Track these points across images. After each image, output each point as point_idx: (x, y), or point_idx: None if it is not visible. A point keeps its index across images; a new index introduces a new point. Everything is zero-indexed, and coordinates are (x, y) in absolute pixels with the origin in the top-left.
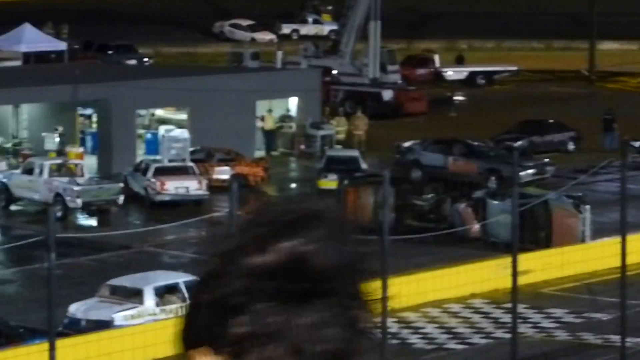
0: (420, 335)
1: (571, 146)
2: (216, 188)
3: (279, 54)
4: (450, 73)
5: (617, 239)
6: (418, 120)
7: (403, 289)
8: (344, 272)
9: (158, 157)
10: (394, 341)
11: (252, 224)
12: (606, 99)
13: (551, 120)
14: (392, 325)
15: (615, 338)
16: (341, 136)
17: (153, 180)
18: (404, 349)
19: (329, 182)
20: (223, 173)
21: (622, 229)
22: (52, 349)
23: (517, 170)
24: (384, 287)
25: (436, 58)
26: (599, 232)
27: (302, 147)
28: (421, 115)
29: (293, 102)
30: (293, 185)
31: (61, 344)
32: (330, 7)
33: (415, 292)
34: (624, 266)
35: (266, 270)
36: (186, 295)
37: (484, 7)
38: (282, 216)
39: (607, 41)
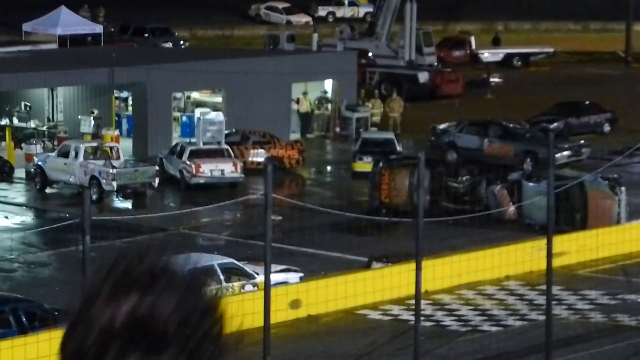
0: (455, 317)
1: (607, 128)
2: (251, 171)
3: (315, 36)
4: (487, 55)
5: None
6: (454, 103)
7: (437, 271)
8: (189, 325)
9: (193, 140)
10: (428, 323)
11: (105, 276)
12: None
13: (587, 102)
14: (426, 307)
15: None
16: (377, 118)
17: (188, 163)
18: (439, 331)
19: (364, 165)
20: (258, 156)
21: None
22: None
23: (553, 152)
24: (418, 270)
25: (472, 40)
26: (635, 213)
27: (338, 129)
28: (457, 98)
29: (328, 85)
30: (328, 167)
31: None
32: None
33: (450, 274)
34: None
35: (113, 325)
36: (222, 277)
37: None
38: (131, 271)
39: None
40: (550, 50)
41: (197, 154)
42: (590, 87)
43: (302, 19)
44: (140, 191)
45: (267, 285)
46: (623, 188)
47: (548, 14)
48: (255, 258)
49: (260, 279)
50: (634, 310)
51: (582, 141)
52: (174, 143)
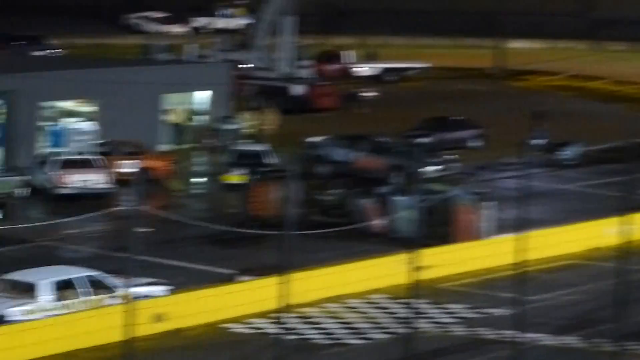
0: (320, 331)
1: (476, 143)
2: (123, 181)
3: (191, 47)
4: (362, 69)
5: (516, 235)
6: (328, 116)
7: (305, 284)
8: None
9: (63, 150)
10: (293, 336)
11: None
12: (512, 97)
13: (457, 118)
14: (291, 321)
15: (511, 333)
16: (251, 130)
17: (57, 173)
18: (303, 344)
19: (236, 177)
20: (129, 166)
21: (521, 226)
22: None
23: (422, 166)
24: (285, 283)
25: (348, 54)
26: (501, 228)
27: (211, 141)
28: (331, 111)
29: (203, 96)
30: (200, 179)
31: None
32: (244, 1)
33: (316, 288)
34: (521, 262)
35: None
36: (88, 289)
37: (395, 4)
38: None
39: (515, 39)
40: (424, 65)
41: (66, 164)
42: (461, 103)
43: (179, 29)
44: (3, 201)
45: (131, 298)
46: (490, 203)
47: (422, 30)
48: (121, 271)
49: (124, 291)
50: (496, 324)
51: (452, 156)
52: (43, 153)
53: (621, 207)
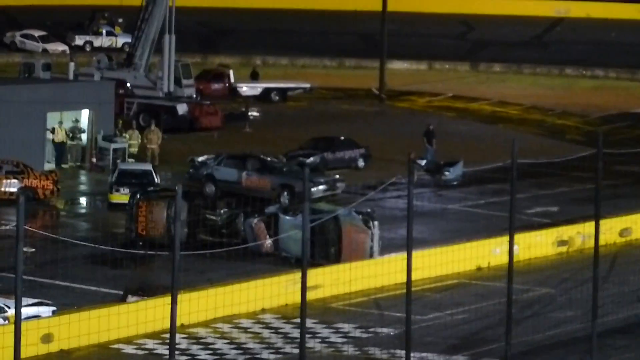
0: (210, 351)
1: (361, 163)
2: (3, 201)
3: (71, 65)
4: (245, 89)
5: (403, 255)
6: (212, 135)
7: (194, 304)
8: None
9: None
10: (184, 358)
11: None
12: (396, 117)
13: (342, 138)
14: (182, 341)
15: (401, 353)
16: (134, 150)
17: None
18: None
19: (121, 196)
20: (11, 186)
21: (408, 245)
22: None
23: (309, 186)
24: (174, 303)
25: (231, 73)
26: (387, 247)
27: (94, 160)
28: (216, 130)
29: (85, 115)
30: (84, 199)
31: None
32: (121, 20)
33: (206, 308)
34: (409, 282)
35: None
36: None
37: (277, 24)
38: None
39: (397, 61)
40: (307, 85)
41: None
42: (345, 123)
43: (59, 47)
44: None
45: (18, 319)
46: (376, 222)
47: (304, 50)
48: (6, 291)
49: (11, 312)
50: (386, 343)
51: (337, 176)
52: None
53: (506, 227)
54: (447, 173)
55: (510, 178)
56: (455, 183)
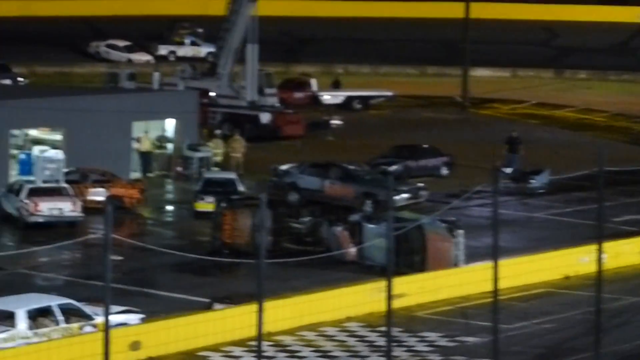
0: (296, 359)
1: (444, 171)
2: (91, 209)
3: (156, 75)
4: (327, 97)
5: (489, 264)
6: (295, 144)
7: (279, 312)
8: None
9: (32, 178)
10: None
11: None
12: (479, 125)
13: (425, 145)
14: (268, 349)
15: None
16: (219, 158)
17: (26, 201)
18: None
19: (206, 205)
20: (98, 194)
21: (495, 254)
22: None
23: (392, 194)
24: (260, 311)
25: (313, 82)
26: (472, 256)
27: (179, 169)
28: (298, 139)
29: (170, 124)
30: (170, 207)
31: None
32: (201, 30)
33: (291, 316)
34: (496, 291)
35: None
36: (60, 318)
37: (359, 32)
38: None
39: (480, 68)
40: (390, 93)
41: (35, 192)
42: (428, 131)
43: (143, 57)
44: None
45: (107, 327)
46: (461, 231)
47: (387, 58)
48: (95, 299)
49: (99, 320)
50: (472, 352)
51: (421, 184)
52: (12, 181)
53: (592, 235)
54: (532, 181)
55: (598, 186)
56: (541, 191)
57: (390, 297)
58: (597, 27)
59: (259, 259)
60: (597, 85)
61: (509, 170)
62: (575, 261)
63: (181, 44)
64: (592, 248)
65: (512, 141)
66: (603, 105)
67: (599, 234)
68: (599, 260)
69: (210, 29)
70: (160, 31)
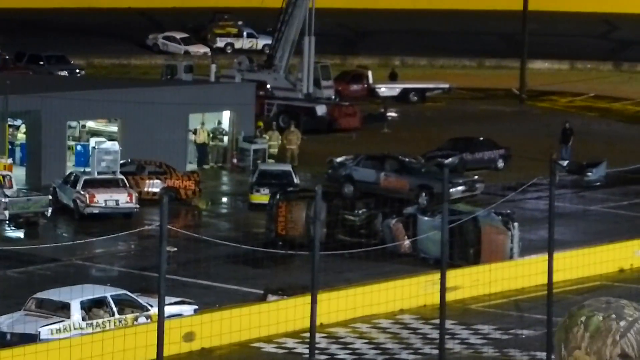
0: (349, 351)
1: (501, 164)
2: (147, 201)
3: (213, 67)
4: (384, 89)
5: (544, 257)
6: (351, 136)
7: (333, 304)
8: None
9: (88, 169)
10: (323, 357)
11: None
12: (536, 117)
13: (481, 138)
14: (321, 341)
15: (542, 355)
16: (274, 150)
17: (82, 192)
18: None
19: (262, 197)
20: (154, 186)
21: (550, 247)
22: None
23: (448, 187)
24: (314, 303)
25: (369, 74)
26: (527, 249)
27: (235, 160)
28: (354, 131)
29: (226, 116)
30: (225, 199)
31: None
32: (240, 22)
33: (345, 308)
34: (550, 284)
35: None
36: (115, 309)
37: (416, 25)
38: None
39: (538, 60)
40: (446, 86)
41: (91, 184)
42: (484, 123)
43: (200, 49)
44: (33, 220)
45: (161, 318)
46: (516, 224)
47: (444, 51)
48: (149, 290)
49: (153, 311)
50: (526, 345)
51: (476, 176)
52: (68, 172)
53: None
54: (589, 174)
55: None
56: (598, 184)
57: (444, 289)
58: None
59: (314, 251)
60: None
61: (565, 163)
62: (630, 254)
63: (239, 36)
64: None
65: (565, 132)
66: None
67: None
68: None
69: (255, 21)
70: (201, 23)
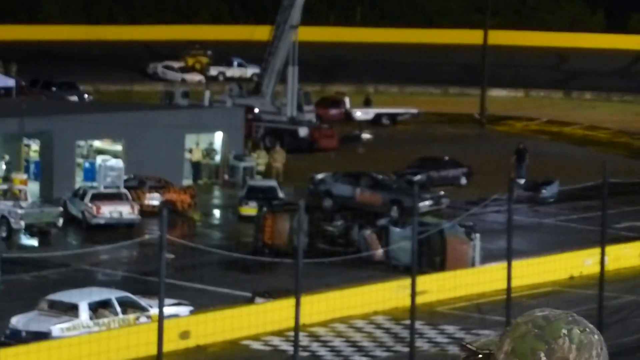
0: (329, 348)
1: (464, 181)
2: (147, 213)
3: (207, 93)
4: (359, 114)
5: (504, 264)
6: (330, 155)
7: (314, 306)
8: None
9: (95, 184)
10: (305, 353)
11: None
12: (495, 140)
13: (446, 157)
14: (303, 339)
15: None
16: (261, 168)
17: (90, 205)
18: None
19: (250, 209)
20: (154, 199)
21: (508, 256)
22: None
23: (418, 201)
24: (297, 305)
25: (346, 100)
26: (488, 257)
27: (226, 177)
28: (333, 151)
29: (218, 137)
30: (217, 211)
31: (4, 353)
32: (210, 52)
33: (325, 310)
34: (509, 289)
35: None
36: (118, 309)
37: (388, 56)
38: None
39: (496, 88)
40: (415, 111)
41: (98, 197)
42: (449, 145)
43: (196, 77)
44: (46, 230)
45: (161, 318)
46: (478, 235)
47: (413, 79)
48: (149, 293)
49: (153, 311)
50: None
51: (442, 192)
52: (77, 186)
53: (596, 240)
54: (544, 191)
55: (602, 196)
56: (551, 200)
57: (414, 294)
58: (602, 53)
59: (297, 258)
60: (602, 105)
61: (522, 180)
62: (580, 263)
63: (230, 65)
64: (595, 251)
65: (520, 152)
66: (606, 123)
67: (602, 239)
68: (602, 262)
69: (246, 53)
70: (214, 54)
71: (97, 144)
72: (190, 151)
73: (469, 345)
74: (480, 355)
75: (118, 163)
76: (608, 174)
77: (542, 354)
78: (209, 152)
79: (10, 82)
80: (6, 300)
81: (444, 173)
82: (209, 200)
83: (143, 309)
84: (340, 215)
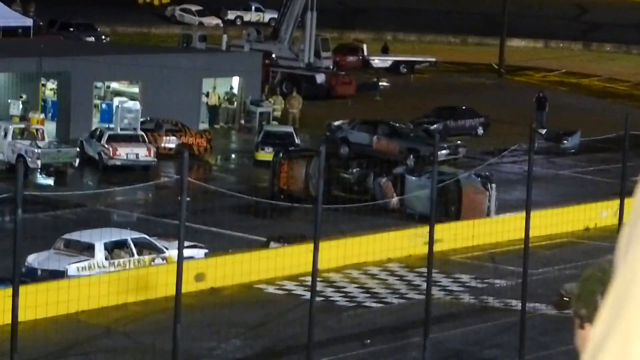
0: (343, 294)
1: (481, 131)
2: (163, 155)
3: (224, 37)
4: (377, 61)
5: (519, 214)
6: (347, 102)
7: (328, 252)
8: None
9: (112, 126)
10: (319, 298)
11: None
12: (513, 90)
13: (463, 107)
14: (318, 285)
15: (513, 302)
16: (278, 113)
17: (106, 146)
18: (328, 305)
19: (266, 154)
20: (170, 142)
21: (527, 206)
22: (15, 295)
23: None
24: (315, 250)
25: (364, 47)
26: (503, 208)
27: (242, 122)
28: (350, 98)
29: (235, 81)
30: (233, 156)
31: (23, 290)
32: None
33: (339, 256)
34: (527, 239)
35: None
36: (134, 250)
37: (407, 4)
38: None
39: (515, 39)
40: (433, 59)
41: (114, 139)
42: (466, 94)
43: (213, 21)
44: (62, 170)
45: (180, 259)
46: (494, 185)
47: (431, 27)
48: (164, 234)
49: (168, 253)
50: (500, 293)
51: (459, 142)
52: (94, 128)
53: (612, 192)
54: (565, 142)
55: (623, 147)
56: (572, 151)
57: (431, 242)
58: (623, 5)
59: (317, 204)
60: (621, 58)
61: (543, 130)
62: (595, 215)
63: (248, 9)
64: (611, 204)
65: (540, 100)
66: (625, 76)
67: (622, 190)
68: (621, 213)
69: None
70: None
71: (114, 85)
72: (208, 95)
73: (561, 291)
74: (565, 299)
75: (135, 105)
76: (629, 126)
77: (599, 296)
78: (226, 96)
79: (28, 22)
80: (22, 239)
81: (460, 122)
82: (225, 145)
83: (159, 250)
84: (356, 163)
